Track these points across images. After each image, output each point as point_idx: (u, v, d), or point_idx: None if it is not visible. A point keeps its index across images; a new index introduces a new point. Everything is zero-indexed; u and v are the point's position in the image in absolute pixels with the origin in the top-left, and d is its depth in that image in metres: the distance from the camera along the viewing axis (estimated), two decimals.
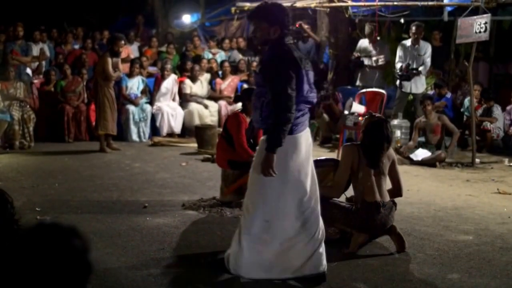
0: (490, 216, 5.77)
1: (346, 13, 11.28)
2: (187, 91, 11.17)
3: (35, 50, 11.21)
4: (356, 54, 10.75)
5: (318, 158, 5.10)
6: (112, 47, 9.10)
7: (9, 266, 1.61)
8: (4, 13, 15.11)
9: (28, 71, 11.03)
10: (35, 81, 10.83)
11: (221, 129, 9.95)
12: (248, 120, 5.99)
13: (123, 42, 9.39)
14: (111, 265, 4.24)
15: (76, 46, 12.36)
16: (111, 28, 14.50)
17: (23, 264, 1.59)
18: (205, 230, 5.18)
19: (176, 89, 11.07)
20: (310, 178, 3.98)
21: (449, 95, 10.28)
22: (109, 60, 9.06)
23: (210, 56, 12.31)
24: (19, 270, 1.59)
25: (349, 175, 4.69)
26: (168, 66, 11.02)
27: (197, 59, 12.15)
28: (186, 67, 11.50)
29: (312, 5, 11.58)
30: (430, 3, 10.25)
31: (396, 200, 4.76)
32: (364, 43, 10.87)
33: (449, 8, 10.50)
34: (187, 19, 15.79)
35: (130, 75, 10.87)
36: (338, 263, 4.33)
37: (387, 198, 4.64)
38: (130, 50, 12.29)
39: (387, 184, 4.77)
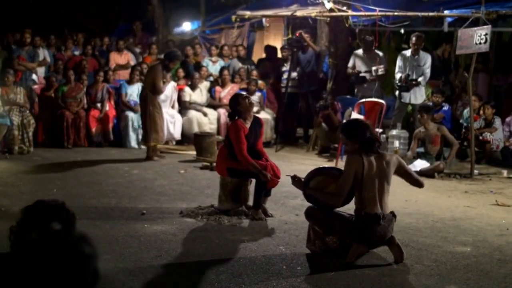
0: (488, 228, 5.76)
1: (346, 23, 11.31)
2: (187, 98, 11.18)
3: (42, 55, 11.25)
4: (355, 70, 10.74)
5: (323, 166, 5.09)
6: (168, 64, 9.05)
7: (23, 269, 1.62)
8: (8, 19, 15.18)
9: (34, 77, 11.05)
10: (35, 86, 10.84)
11: (220, 137, 10.02)
12: (247, 125, 5.98)
13: (178, 63, 9.44)
14: (109, 271, 4.21)
15: (76, 52, 12.36)
16: (112, 35, 14.55)
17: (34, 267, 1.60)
18: (203, 238, 5.18)
19: (175, 96, 11.07)
20: None
21: (446, 107, 10.28)
22: (161, 74, 9.00)
23: (210, 64, 12.30)
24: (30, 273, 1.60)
25: (351, 186, 4.60)
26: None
27: (197, 66, 12.15)
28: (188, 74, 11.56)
29: (313, 15, 11.61)
30: (431, 13, 10.27)
31: (394, 210, 4.74)
32: (359, 53, 10.87)
33: (449, 19, 10.53)
34: (187, 26, 15.83)
35: (130, 82, 10.92)
36: (335, 273, 4.32)
37: (387, 210, 4.62)
38: (130, 57, 12.31)
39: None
